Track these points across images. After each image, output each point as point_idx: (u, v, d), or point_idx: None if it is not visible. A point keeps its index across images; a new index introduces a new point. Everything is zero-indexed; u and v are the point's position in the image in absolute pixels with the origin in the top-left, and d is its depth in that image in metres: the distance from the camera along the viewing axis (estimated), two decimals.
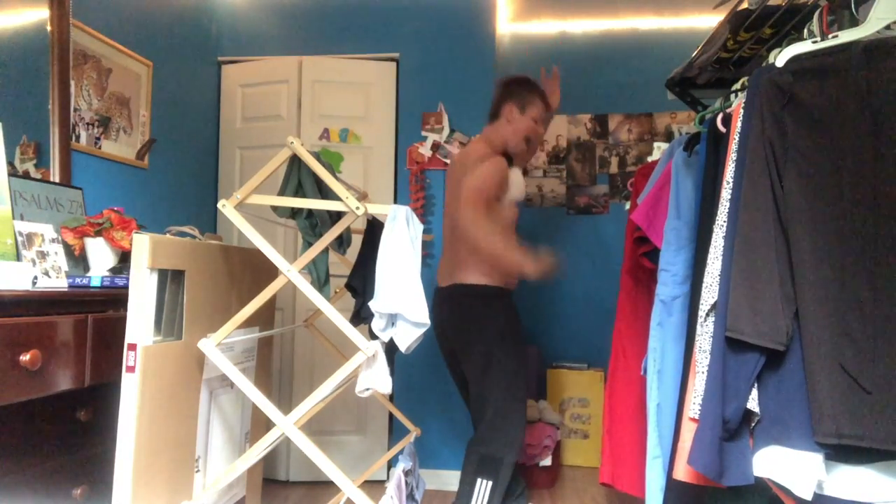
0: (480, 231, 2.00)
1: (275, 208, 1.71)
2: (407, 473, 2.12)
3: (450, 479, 2.98)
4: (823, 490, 1.20)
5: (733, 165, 1.34)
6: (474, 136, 3.06)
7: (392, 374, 1.59)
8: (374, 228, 1.88)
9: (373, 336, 1.59)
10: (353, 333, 1.49)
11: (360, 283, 1.86)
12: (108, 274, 1.84)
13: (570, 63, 3.71)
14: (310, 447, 1.49)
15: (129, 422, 1.38)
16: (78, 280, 1.75)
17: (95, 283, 1.73)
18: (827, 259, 1.18)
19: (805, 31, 1.39)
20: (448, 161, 3.05)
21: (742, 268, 1.23)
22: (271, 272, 1.94)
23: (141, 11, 2.60)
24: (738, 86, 1.65)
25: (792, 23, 1.66)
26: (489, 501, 2.07)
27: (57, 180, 2.07)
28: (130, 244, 1.62)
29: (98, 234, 1.86)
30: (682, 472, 1.35)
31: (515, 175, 2.27)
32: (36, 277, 1.67)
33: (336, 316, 1.51)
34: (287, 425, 1.51)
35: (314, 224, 1.78)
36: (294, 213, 1.77)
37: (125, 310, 1.42)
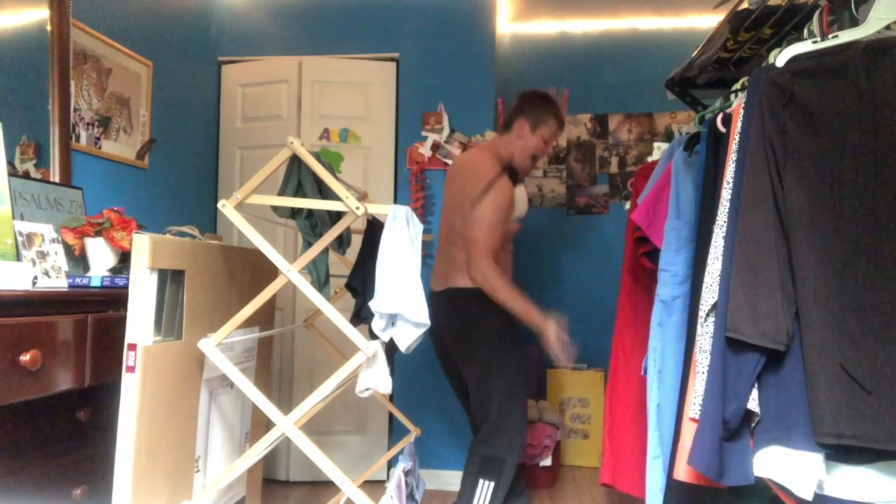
0: (495, 284, 2.06)
1: (275, 208, 1.71)
2: (407, 473, 2.12)
3: (450, 479, 2.98)
4: (824, 490, 1.20)
5: (733, 165, 1.34)
6: (474, 136, 3.07)
7: (392, 374, 1.58)
8: (374, 228, 1.88)
9: (373, 336, 1.59)
10: (353, 333, 1.49)
11: (360, 283, 1.86)
12: (108, 274, 1.84)
13: (570, 63, 3.72)
14: (310, 447, 1.49)
15: (129, 422, 1.38)
16: (78, 280, 1.75)
17: (95, 283, 1.73)
18: (827, 259, 1.18)
19: (805, 31, 1.39)
20: (448, 161, 3.05)
21: (742, 268, 1.23)
22: (271, 272, 1.94)
23: (141, 11, 2.60)
24: (738, 86, 1.65)
25: (792, 23, 1.66)
26: (491, 502, 2.07)
27: (57, 180, 2.07)
28: (130, 244, 1.62)
29: (98, 234, 1.86)
30: (683, 473, 1.35)
31: (519, 193, 2.29)
32: (36, 277, 1.67)
33: (336, 316, 1.51)
34: (287, 425, 1.51)
35: (314, 224, 1.78)
36: (294, 213, 1.77)
37: (125, 310, 1.42)
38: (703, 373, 1.33)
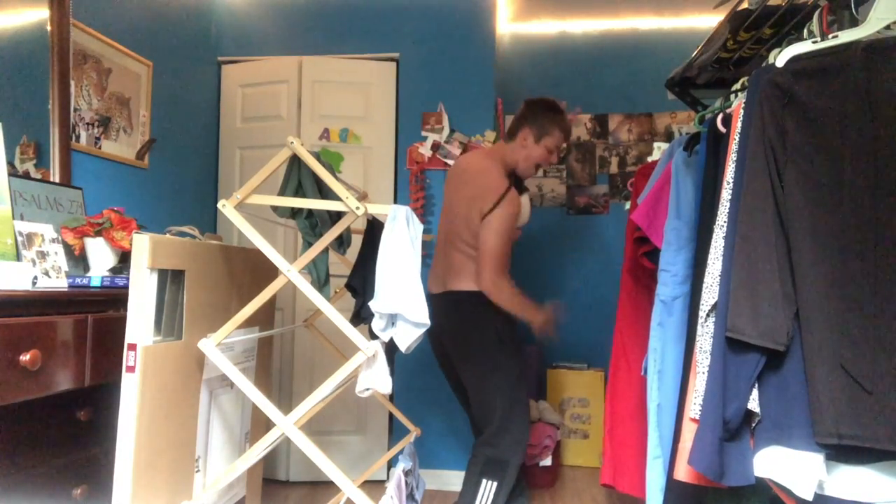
0: (504, 295, 2.12)
1: (275, 208, 1.70)
2: (407, 473, 2.12)
3: (450, 479, 2.98)
4: (824, 490, 1.20)
5: (733, 165, 1.34)
6: (474, 136, 3.06)
7: (392, 374, 1.58)
8: (374, 228, 1.88)
9: (373, 336, 1.59)
10: (353, 333, 1.49)
11: (360, 283, 1.86)
12: (108, 274, 1.84)
13: (570, 63, 3.72)
14: (310, 447, 1.49)
15: (129, 422, 1.38)
16: (78, 280, 1.75)
17: (95, 283, 1.73)
18: (827, 259, 1.18)
19: (805, 31, 1.39)
20: (448, 161, 3.05)
21: (742, 268, 1.23)
22: (271, 272, 1.94)
23: (141, 11, 2.60)
24: (738, 86, 1.65)
25: (792, 23, 1.66)
26: (493, 502, 2.08)
27: (57, 180, 2.07)
28: (130, 244, 1.62)
29: (98, 234, 1.86)
30: (683, 473, 1.35)
31: (524, 201, 2.29)
32: (36, 277, 1.67)
33: (336, 316, 1.51)
34: (287, 425, 1.51)
35: (314, 224, 1.78)
36: (294, 213, 1.77)
37: (125, 310, 1.42)
38: (703, 373, 1.33)
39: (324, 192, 1.71)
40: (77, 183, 2.17)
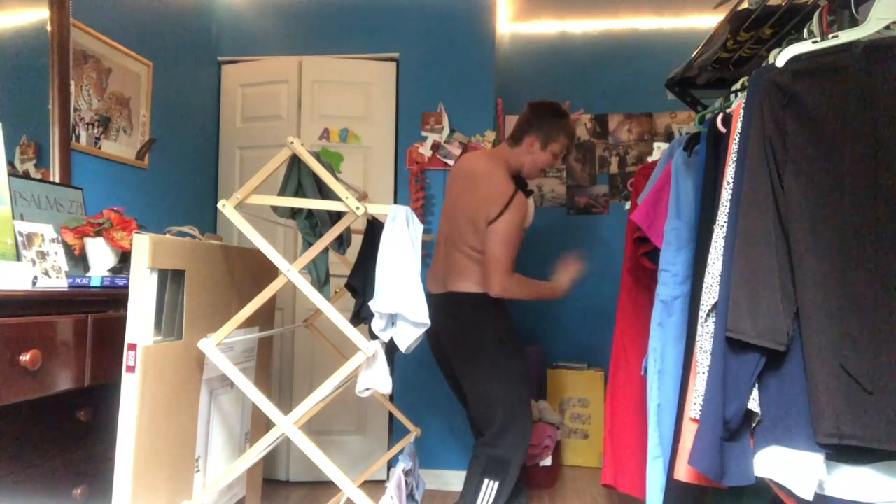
0: (514, 292, 2.15)
1: (275, 208, 1.70)
2: (407, 473, 2.12)
3: (450, 479, 2.98)
4: (824, 490, 1.20)
5: (733, 165, 1.34)
6: (474, 136, 3.06)
7: (392, 374, 1.58)
8: (374, 228, 1.88)
9: (373, 336, 1.59)
10: (353, 333, 1.49)
11: (360, 283, 1.86)
12: (108, 274, 1.84)
13: (570, 63, 3.72)
14: (310, 447, 1.49)
15: (129, 422, 1.38)
16: (78, 280, 1.75)
17: (95, 283, 1.73)
18: (827, 259, 1.18)
19: (805, 31, 1.39)
20: (448, 161, 3.05)
21: (742, 268, 1.23)
22: (271, 272, 1.94)
23: (141, 11, 2.60)
24: (738, 86, 1.65)
25: (792, 23, 1.66)
26: (494, 501, 2.08)
27: (57, 180, 2.07)
28: (130, 244, 1.62)
29: (98, 234, 1.86)
30: (683, 473, 1.35)
31: (529, 205, 2.29)
32: (36, 277, 1.67)
33: (336, 316, 1.51)
34: (287, 425, 1.51)
35: (314, 224, 1.78)
36: (294, 213, 1.77)
37: (125, 310, 1.42)
38: (703, 373, 1.33)
39: (324, 192, 1.71)
40: (77, 183, 2.17)
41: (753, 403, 1.24)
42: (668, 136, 3.63)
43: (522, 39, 3.76)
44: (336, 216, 1.72)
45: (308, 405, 1.53)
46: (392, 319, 1.55)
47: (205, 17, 3.13)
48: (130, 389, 1.38)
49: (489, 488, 2.09)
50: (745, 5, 1.63)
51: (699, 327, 1.37)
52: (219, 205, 1.54)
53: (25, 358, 1.32)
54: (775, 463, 1.22)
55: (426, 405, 3.03)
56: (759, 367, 1.22)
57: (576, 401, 3.45)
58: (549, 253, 3.73)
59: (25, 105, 1.99)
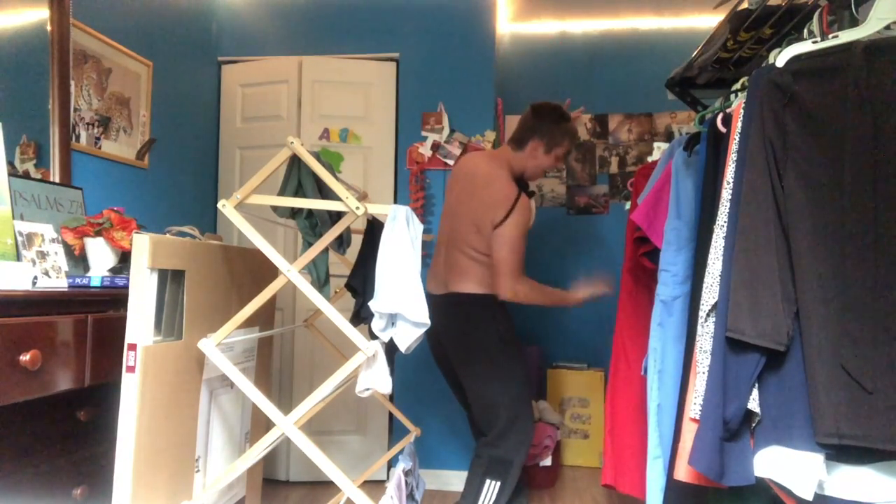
0: (527, 298, 2.16)
1: (275, 208, 1.70)
2: (407, 473, 2.12)
3: (450, 479, 2.98)
4: (824, 490, 1.20)
5: (733, 165, 1.34)
6: (474, 136, 3.06)
7: (392, 374, 1.58)
8: (374, 228, 1.88)
9: (373, 336, 1.59)
10: (353, 333, 1.49)
11: (360, 283, 1.86)
12: (108, 274, 1.84)
13: (570, 63, 3.72)
14: (310, 447, 1.49)
15: (129, 422, 1.38)
16: (78, 280, 1.75)
17: (95, 283, 1.73)
18: (827, 259, 1.18)
19: (805, 31, 1.39)
20: (448, 161, 3.05)
21: (742, 268, 1.23)
22: (271, 272, 1.94)
23: (141, 11, 2.60)
24: (738, 86, 1.65)
25: (792, 23, 1.66)
26: (496, 501, 2.09)
27: (57, 180, 2.07)
28: (130, 244, 1.62)
29: (98, 234, 1.86)
30: (683, 473, 1.35)
31: (531, 207, 2.30)
32: (36, 277, 1.67)
33: (336, 316, 1.51)
34: (287, 425, 1.51)
35: (314, 224, 1.78)
36: (294, 213, 1.77)
37: (125, 310, 1.42)
38: (703, 373, 1.33)
39: (324, 192, 1.70)
40: (77, 183, 2.17)
41: (753, 403, 1.24)
42: (668, 136, 3.63)
43: (522, 39, 3.75)
44: (336, 216, 1.72)
45: (308, 405, 1.53)
46: (392, 319, 1.55)
47: (205, 17, 3.13)
48: (130, 389, 1.38)
49: (491, 488, 2.09)
50: (745, 5, 1.63)
51: (699, 327, 1.37)
52: (219, 205, 1.54)
53: (25, 358, 1.32)
54: (775, 463, 1.22)
55: (426, 405, 3.03)
56: (759, 367, 1.22)
57: (576, 401, 3.45)
58: (549, 253, 3.73)
59: (25, 105, 1.99)
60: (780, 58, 1.27)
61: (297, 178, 1.70)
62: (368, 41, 3.17)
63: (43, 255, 1.76)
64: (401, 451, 2.26)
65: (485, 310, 2.18)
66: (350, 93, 3.13)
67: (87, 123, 2.28)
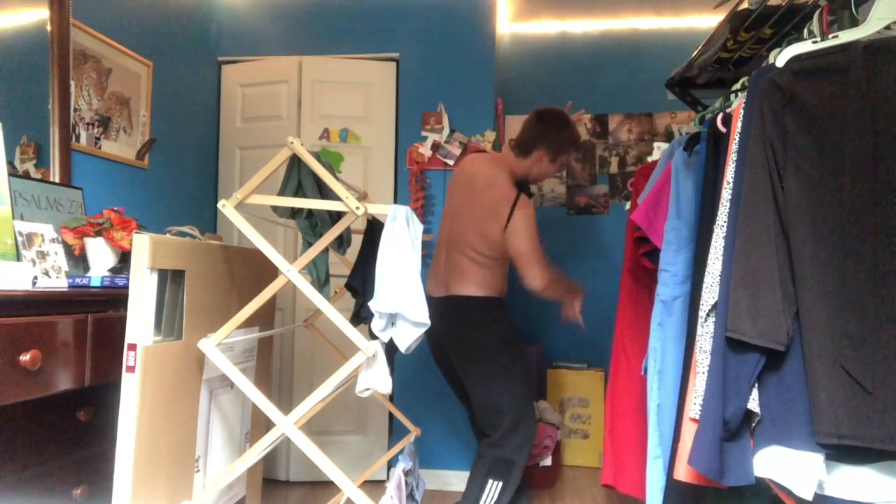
0: (551, 282, 2.18)
1: (275, 208, 1.70)
2: (407, 473, 2.12)
3: (450, 480, 2.98)
4: (824, 490, 1.20)
5: (733, 165, 1.34)
6: (474, 136, 3.06)
7: (392, 374, 1.58)
8: (374, 228, 1.88)
9: (373, 336, 1.59)
10: (353, 333, 1.49)
11: (360, 283, 1.85)
12: (108, 274, 1.84)
13: (570, 63, 3.71)
14: (310, 447, 1.49)
15: (129, 422, 1.38)
16: (78, 280, 1.75)
17: (95, 283, 1.73)
18: (827, 259, 1.18)
19: (805, 31, 1.39)
20: (448, 161, 3.05)
21: (742, 268, 1.23)
22: (271, 272, 1.94)
23: (141, 11, 2.60)
24: (738, 86, 1.65)
25: (792, 23, 1.66)
26: (497, 501, 2.09)
27: (57, 180, 2.07)
28: (130, 244, 1.62)
29: (98, 234, 1.86)
30: (683, 473, 1.35)
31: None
32: (36, 277, 1.67)
33: (336, 316, 1.51)
34: (287, 425, 1.51)
35: (314, 224, 1.78)
36: (294, 213, 1.77)
37: (125, 310, 1.42)
38: (703, 373, 1.33)
39: (324, 192, 1.70)
40: (77, 183, 2.17)
41: (753, 403, 1.24)
42: (668, 136, 3.63)
43: (522, 39, 3.75)
44: (336, 216, 1.72)
45: (308, 405, 1.53)
46: (392, 319, 1.55)
47: (205, 17, 3.13)
48: (130, 389, 1.38)
49: (493, 488, 2.10)
50: (745, 5, 1.63)
51: (699, 327, 1.37)
52: (219, 205, 1.54)
53: (25, 358, 1.32)
54: (775, 463, 1.22)
55: (426, 405, 3.03)
56: (758, 367, 1.22)
57: (576, 401, 3.45)
58: (549, 253, 3.73)
59: (25, 105, 1.99)
60: (780, 58, 1.27)
61: (297, 178, 1.70)
62: (368, 41, 3.17)
63: (43, 255, 1.76)
64: (401, 451, 2.26)
65: (486, 312, 2.19)
66: (350, 93, 3.13)
67: (87, 123, 2.28)
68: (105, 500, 1.65)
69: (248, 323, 1.78)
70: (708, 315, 1.35)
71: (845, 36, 1.23)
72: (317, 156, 1.60)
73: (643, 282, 2.15)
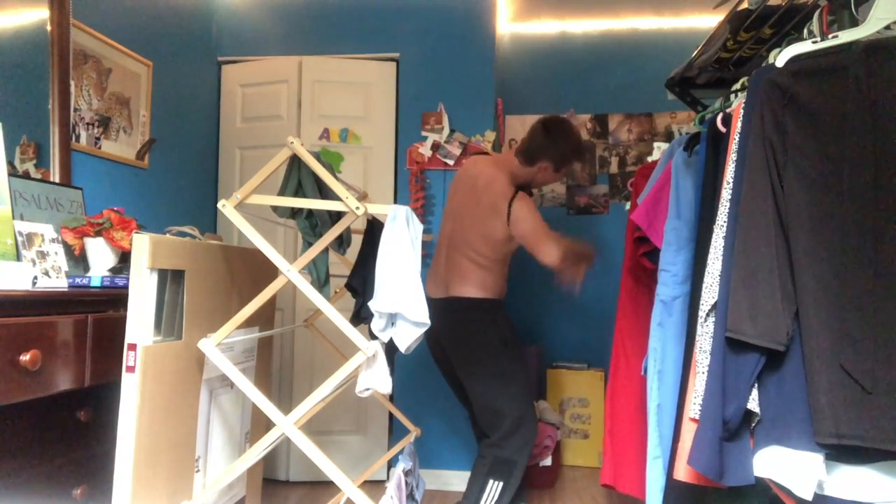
0: (565, 252, 2.16)
1: (275, 208, 1.70)
2: (407, 473, 2.12)
3: (450, 480, 2.98)
4: (824, 490, 1.20)
5: (733, 165, 1.34)
6: (474, 136, 3.06)
7: (392, 374, 1.58)
8: (374, 228, 1.88)
9: (373, 336, 1.59)
10: (353, 333, 1.49)
11: (360, 283, 1.86)
12: (108, 274, 1.84)
13: (570, 63, 3.71)
14: (310, 447, 1.49)
15: (129, 422, 1.38)
16: (78, 280, 1.75)
17: (95, 283, 1.73)
18: (827, 259, 1.18)
19: (805, 31, 1.39)
20: (448, 161, 3.05)
21: (742, 268, 1.23)
22: (271, 272, 1.94)
23: (141, 11, 2.60)
24: (738, 86, 1.65)
25: (792, 23, 1.66)
26: (498, 502, 2.09)
27: (57, 180, 2.07)
28: (130, 244, 1.62)
29: (98, 234, 1.86)
30: (683, 473, 1.35)
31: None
32: (36, 277, 1.67)
33: (336, 316, 1.51)
34: (287, 425, 1.51)
35: (314, 224, 1.78)
36: (294, 213, 1.77)
37: (125, 310, 1.42)
38: (703, 373, 1.33)
39: (324, 192, 1.71)
40: (77, 183, 2.17)
41: (753, 403, 1.24)
42: (668, 136, 3.63)
43: (522, 39, 3.75)
44: (336, 216, 1.72)
45: (308, 405, 1.53)
46: (392, 319, 1.55)
47: (205, 17, 3.13)
48: (130, 389, 1.38)
49: (493, 488, 2.10)
50: (745, 5, 1.63)
51: (699, 327, 1.37)
52: (219, 205, 1.54)
53: (25, 358, 1.32)
54: (775, 463, 1.22)
55: (426, 405, 3.03)
56: (758, 367, 1.22)
57: (576, 401, 3.45)
58: None
59: (25, 105, 1.99)
60: (780, 58, 1.27)
61: (297, 178, 1.70)
62: (368, 41, 3.17)
63: (43, 255, 1.76)
64: (401, 451, 2.26)
65: (486, 314, 2.19)
66: (350, 93, 3.13)
67: (87, 123, 2.28)
68: (105, 500, 1.65)
69: (248, 323, 1.78)
70: (708, 315, 1.35)
71: (845, 36, 1.23)
72: (317, 156, 1.60)
73: (643, 282, 2.15)
